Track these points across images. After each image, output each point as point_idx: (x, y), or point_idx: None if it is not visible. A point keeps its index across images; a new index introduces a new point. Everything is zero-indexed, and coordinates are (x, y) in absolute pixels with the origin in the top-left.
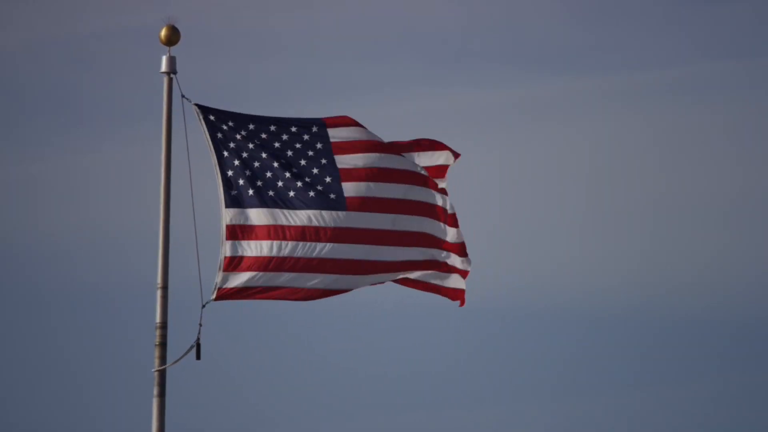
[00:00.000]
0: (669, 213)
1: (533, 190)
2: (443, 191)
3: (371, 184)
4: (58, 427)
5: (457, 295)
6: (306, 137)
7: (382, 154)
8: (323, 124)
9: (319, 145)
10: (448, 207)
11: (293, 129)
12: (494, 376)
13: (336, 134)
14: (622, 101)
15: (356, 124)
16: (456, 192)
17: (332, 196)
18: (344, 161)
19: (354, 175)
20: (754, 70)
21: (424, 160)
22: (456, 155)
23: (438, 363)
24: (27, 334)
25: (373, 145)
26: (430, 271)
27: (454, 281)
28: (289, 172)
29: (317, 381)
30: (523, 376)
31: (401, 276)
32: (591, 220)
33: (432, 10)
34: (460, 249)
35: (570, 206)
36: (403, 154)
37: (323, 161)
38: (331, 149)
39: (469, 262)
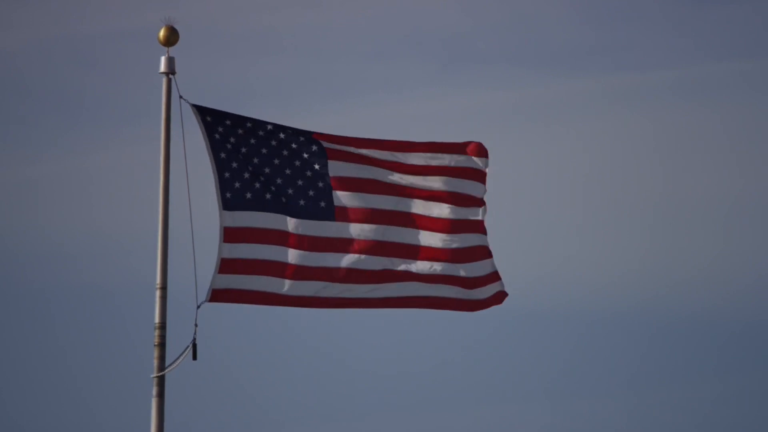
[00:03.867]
0: (669, 213)
1: (533, 190)
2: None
3: (362, 194)
4: (58, 427)
5: (466, 305)
6: (302, 138)
7: (375, 168)
8: (309, 135)
9: (314, 147)
10: (466, 215)
11: (289, 131)
12: (494, 376)
13: (329, 145)
14: (622, 101)
15: (348, 142)
16: None
17: (322, 204)
18: (337, 168)
19: (345, 184)
20: (754, 71)
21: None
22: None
23: (437, 363)
24: (27, 334)
25: (367, 159)
26: (433, 285)
27: (459, 292)
28: (281, 178)
29: (318, 381)
30: (523, 376)
31: (398, 292)
32: (591, 220)
33: (433, 11)
34: (475, 254)
35: (570, 206)
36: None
37: (316, 166)
38: (325, 154)
39: (487, 266)
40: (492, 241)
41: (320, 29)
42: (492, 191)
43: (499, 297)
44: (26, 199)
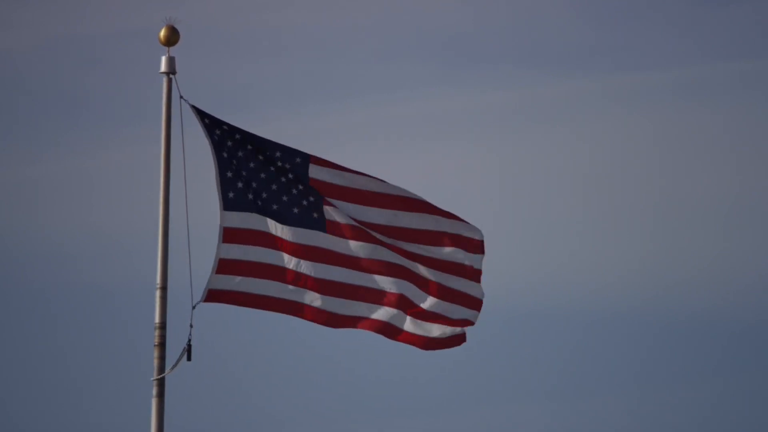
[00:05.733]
0: (669, 213)
1: (533, 190)
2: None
3: (350, 214)
4: (58, 427)
5: (442, 342)
6: (288, 165)
7: (361, 206)
8: (307, 158)
9: (301, 171)
10: (465, 262)
11: (278, 154)
12: (493, 376)
13: (316, 173)
14: (622, 101)
15: (340, 168)
16: (456, 192)
17: (315, 215)
18: (322, 190)
19: (333, 204)
20: (754, 71)
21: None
22: (478, 242)
23: (436, 364)
24: (27, 334)
25: (353, 193)
26: (415, 319)
27: (438, 330)
28: (276, 184)
29: (317, 382)
30: (523, 376)
31: (387, 314)
32: (591, 220)
33: (434, 11)
34: (467, 301)
35: (570, 206)
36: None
37: (300, 186)
38: (309, 182)
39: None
40: (492, 241)
41: (320, 29)
42: (491, 191)
43: (455, 340)
44: (26, 199)
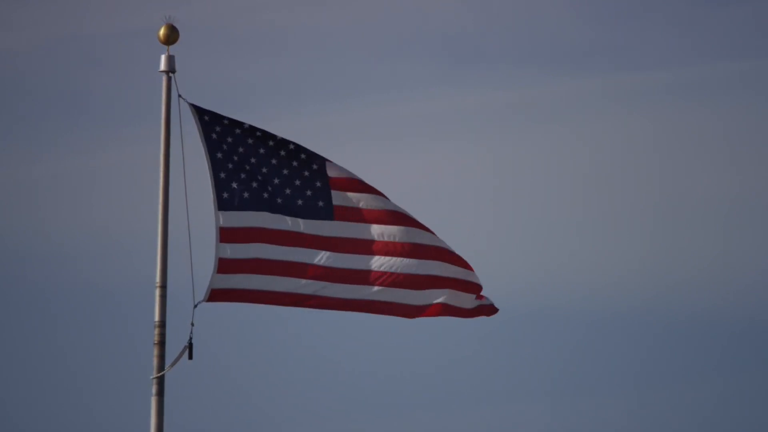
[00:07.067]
0: (669, 213)
1: (533, 190)
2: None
3: (360, 195)
4: (58, 426)
5: (470, 312)
6: (301, 157)
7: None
8: (323, 165)
9: (303, 156)
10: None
11: (282, 152)
12: (494, 376)
13: (332, 172)
14: (622, 101)
15: (360, 189)
16: (456, 192)
17: (320, 203)
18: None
19: (343, 185)
20: (754, 71)
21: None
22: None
23: (437, 363)
24: (27, 333)
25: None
26: (432, 290)
27: (463, 299)
28: (278, 177)
29: (317, 381)
30: (524, 376)
31: (397, 294)
32: (591, 220)
33: (434, 11)
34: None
35: (570, 206)
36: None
37: (314, 166)
38: (314, 168)
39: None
40: (493, 241)
41: (321, 29)
42: (491, 191)
43: (484, 310)
44: (26, 199)
